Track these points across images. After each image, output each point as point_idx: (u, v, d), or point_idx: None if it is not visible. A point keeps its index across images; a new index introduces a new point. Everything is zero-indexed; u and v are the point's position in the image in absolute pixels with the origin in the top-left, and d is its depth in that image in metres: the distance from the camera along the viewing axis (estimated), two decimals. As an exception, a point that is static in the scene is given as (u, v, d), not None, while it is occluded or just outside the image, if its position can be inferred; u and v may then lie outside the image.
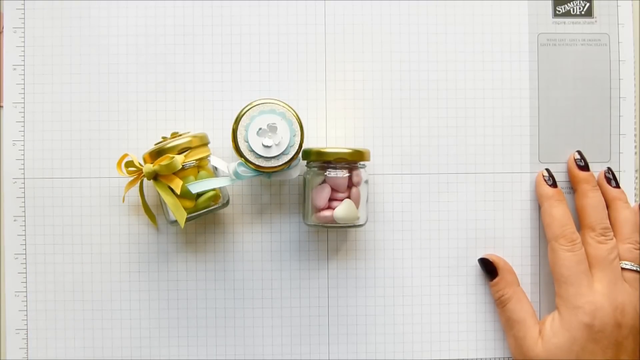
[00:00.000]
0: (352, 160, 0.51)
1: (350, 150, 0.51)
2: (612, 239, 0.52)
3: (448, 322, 0.56)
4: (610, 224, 0.53)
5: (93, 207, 0.55)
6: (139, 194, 0.53)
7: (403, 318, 0.56)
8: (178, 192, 0.49)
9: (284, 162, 0.50)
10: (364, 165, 0.52)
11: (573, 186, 0.55)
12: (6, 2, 0.55)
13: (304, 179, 0.53)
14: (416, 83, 0.56)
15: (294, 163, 0.51)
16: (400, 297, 0.56)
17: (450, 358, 0.56)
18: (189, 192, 0.50)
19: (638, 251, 0.52)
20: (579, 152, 0.55)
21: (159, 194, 0.50)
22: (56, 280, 0.55)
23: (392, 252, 0.56)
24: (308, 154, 0.51)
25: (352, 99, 0.56)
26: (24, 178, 0.55)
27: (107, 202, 0.55)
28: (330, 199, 0.51)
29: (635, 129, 0.56)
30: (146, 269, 0.55)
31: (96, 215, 0.55)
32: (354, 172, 0.51)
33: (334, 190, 0.51)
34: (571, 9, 0.56)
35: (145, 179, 0.51)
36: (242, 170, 0.50)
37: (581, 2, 0.56)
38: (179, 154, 0.50)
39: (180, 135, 0.52)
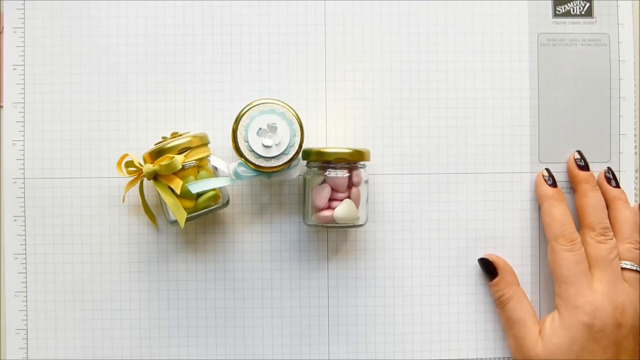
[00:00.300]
0: (352, 160, 0.51)
1: (350, 150, 0.51)
2: (612, 239, 0.52)
3: (448, 322, 0.56)
4: (610, 223, 0.53)
5: (93, 207, 0.55)
6: (139, 194, 0.53)
7: (403, 318, 0.56)
8: (178, 192, 0.49)
9: (284, 162, 0.50)
10: (364, 165, 0.52)
11: (573, 186, 0.55)
12: (6, 2, 0.55)
13: (304, 179, 0.53)
14: (416, 83, 0.56)
15: (294, 163, 0.51)
16: (400, 297, 0.56)
17: (450, 358, 0.56)
18: (189, 192, 0.50)
19: (638, 251, 0.52)
20: (579, 152, 0.55)
21: (159, 194, 0.50)
22: (56, 280, 0.55)
23: (392, 252, 0.56)
24: (308, 154, 0.51)
25: (352, 99, 0.56)
26: (24, 178, 0.55)
27: (107, 202, 0.55)
28: (330, 199, 0.51)
29: (635, 129, 0.56)
30: (146, 269, 0.55)
31: (96, 215, 0.55)
32: (354, 172, 0.51)
33: (334, 190, 0.51)
34: (571, 9, 0.56)
35: (145, 179, 0.51)
36: (242, 170, 0.50)
37: (581, 2, 0.56)
38: (179, 154, 0.50)
39: (180, 135, 0.52)
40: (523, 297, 0.54)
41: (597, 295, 0.50)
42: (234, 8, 0.55)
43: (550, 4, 0.56)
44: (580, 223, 0.53)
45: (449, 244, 0.56)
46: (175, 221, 0.51)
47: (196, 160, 0.50)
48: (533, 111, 0.56)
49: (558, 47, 0.56)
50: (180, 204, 0.50)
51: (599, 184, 0.54)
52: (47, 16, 0.55)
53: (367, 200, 0.53)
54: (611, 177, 0.54)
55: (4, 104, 0.55)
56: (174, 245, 0.55)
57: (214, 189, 0.51)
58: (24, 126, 0.55)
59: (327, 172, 0.51)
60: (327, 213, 0.51)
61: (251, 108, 0.50)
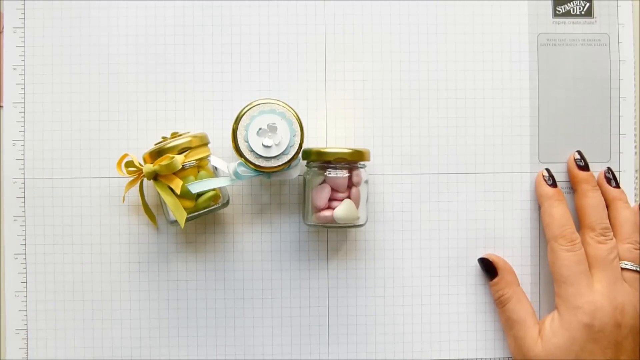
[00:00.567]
0: (352, 160, 0.51)
1: (350, 150, 0.51)
2: (611, 239, 0.52)
3: (448, 322, 0.56)
4: (610, 224, 0.53)
5: (93, 207, 0.55)
6: (139, 194, 0.53)
7: (403, 318, 0.56)
8: (178, 192, 0.49)
9: (284, 162, 0.50)
10: (364, 165, 0.52)
11: (573, 186, 0.55)
12: (6, 2, 0.55)
13: (304, 179, 0.53)
14: (416, 83, 0.56)
15: (294, 163, 0.51)
16: (400, 297, 0.56)
17: (450, 358, 0.56)
18: (189, 192, 0.50)
19: (638, 251, 0.52)
20: (579, 152, 0.55)
21: (159, 194, 0.50)
22: (56, 280, 0.55)
23: (392, 252, 0.56)
24: (308, 154, 0.51)
25: (352, 99, 0.56)
26: (24, 178, 0.55)
27: (107, 202, 0.55)
28: (330, 199, 0.51)
29: (635, 129, 0.56)
30: (146, 269, 0.55)
31: (96, 215, 0.55)
32: (354, 172, 0.51)
33: (334, 190, 0.51)
34: (571, 9, 0.56)
35: (145, 179, 0.51)
36: (242, 170, 0.50)
37: (581, 2, 0.56)
38: (179, 154, 0.50)
39: (180, 135, 0.52)
40: (523, 297, 0.54)
41: (596, 296, 0.50)
42: (234, 8, 0.55)
43: (550, 4, 0.56)
44: (580, 223, 0.53)
45: (449, 244, 0.56)
46: (175, 221, 0.51)
47: (196, 160, 0.50)
48: (533, 111, 0.56)
49: (558, 47, 0.56)
50: (180, 204, 0.50)
51: (599, 184, 0.54)
52: (47, 16, 0.55)
53: (367, 200, 0.53)
54: (611, 177, 0.54)
55: (4, 104, 0.55)
56: (174, 245, 0.55)
57: (214, 189, 0.51)
58: (24, 126, 0.55)
59: (327, 172, 0.51)
60: (327, 213, 0.51)
61: (251, 108, 0.50)
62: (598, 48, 0.56)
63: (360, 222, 0.52)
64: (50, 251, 0.55)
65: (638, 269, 0.51)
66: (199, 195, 0.51)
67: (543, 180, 0.54)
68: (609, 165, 0.56)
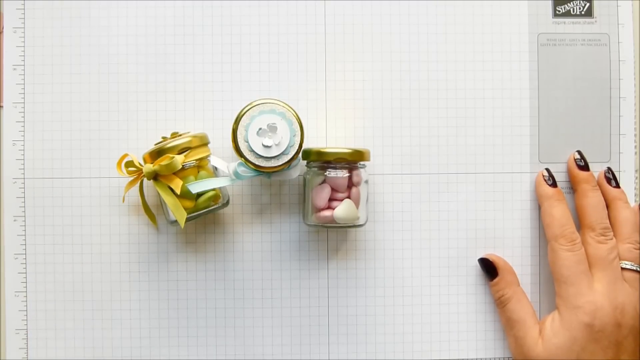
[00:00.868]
0: (352, 160, 0.51)
1: (350, 150, 0.51)
2: (612, 239, 0.52)
3: (448, 322, 0.56)
4: (610, 223, 0.53)
5: (93, 207, 0.55)
6: (139, 194, 0.53)
7: (403, 318, 0.56)
8: (178, 192, 0.49)
9: (284, 162, 0.50)
10: (364, 165, 0.52)
11: (573, 186, 0.55)
12: (6, 2, 0.55)
13: (304, 179, 0.53)
14: (416, 83, 0.56)
15: (294, 163, 0.51)
16: (400, 297, 0.56)
17: (450, 358, 0.56)
18: (189, 192, 0.50)
19: (638, 251, 0.52)
20: (579, 152, 0.55)
21: (159, 194, 0.50)
22: (56, 280, 0.55)
23: (392, 252, 0.56)
24: (308, 154, 0.51)
25: (352, 99, 0.56)
26: (24, 178, 0.55)
27: (107, 202, 0.55)
28: (330, 199, 0.51)
29: (635, 129, 0.56)
30: (146, 269, 0.55)
31: (96, 215, 0.55)
32: (354, 172, 0.51)
33: (334, 190, 0.51)
34: (571, 9, 0.56)
35: (145, 179, 0.51)
36: (242, 170, 0.50)
37: (581, 2, 0.56)
38: (179, 154, 0.50)
39: (180, 135, 0.52)
40: (523, 297, 0.54)
41: (597, 295, 0.50)
42: (234, 8, 0.55)
43: (550, 4, 0.56)
44: (580, 223, 0.53)
45: (449, 244, 0.56)
46: (175, 221, 0.51)
47: (196, 160, 0.50)
48: (533, 111, 0.56)
49: (558, 47, 0.56)
50: (180, 204, 0.50)
51: (599, 184, 0.54)
52: (47, 16, 0.55)
53: (367, 200, 0.53)
54: (611, 177, 0.54)
55: (4, 104, 0.55)
56: (174, 245, 0.55)
57: (214, 189, 0.51)
58: (24, 126, 0.55)
59: (327, 172, 0.51)
60: (327, 213, 0.51)
61: (251, 108, 0.50)
62: (598, 48, 0.56)
63: (360, 222, 0.52)
64: (50, 251, 0.55)
65: (638, 269, 0.51)
66: (199, 195, 0.51)
67: (543, 180, 0.54)
68: (609, 165, 0.56)
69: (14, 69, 0.55)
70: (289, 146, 0.50)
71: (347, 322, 0.55)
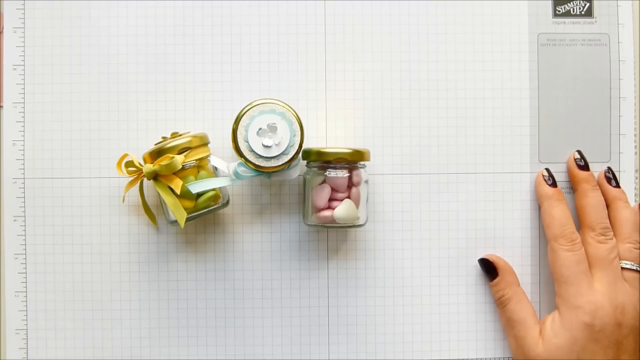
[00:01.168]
0: (352, 160, 0.51)
1: (350, 150, 0.51)
2: (612, 239, 0.52)
3: (448, 322, 0.56)
4: (610, 223, 0.53)
5: (93, 207, 0.55)
6: (139, 194, 0.53)
7: (403, 318, 0.56)
8: (178, 192, 0.49)
9: (284, 162, 0.50)
10: (364, 165, 0.52)
11: (573, 186, 0.55)
12: (6, 2, 0.55)
13: (304, 179, 0.53)
14: (416, 83, 0.56)
15: (294, 163, 0.51)
16: (400, 297, 0.56)
17: (450, 358, 0.56)
18: (189, 192, 0.50)
19: (638, 251, 0.52)
20: (579, 152, 0.55)
21: (159, 194, 0.50)
22: (56, 280, 0.55)
23: (392, 252, 0.56)
24: (308, 154, 0.51)
25: (352, 99, 0.56)
26: (24, 178, 0.55)
27: (107, 202, 0.55)
28: (330, 199, 0.51)
29: (635, 129, 0.56)
30: (146, 269, 0.55)
31: (96, 215, 0.55)
32: (354, 172, 0.51)
33: (334, 190, 0.51)
34: (571, 9, 0.56)
35: (145, 179, 0.51)
36: (242, 170, 0.50)
37: (581, 2, 0.56)
38: (179, 154, 0.50)
39: (180, 135, 0.52)
40: (523, 298, 0.54)
41: (597, 295, 0.50)
42: (234, 8, 0.55)
43: (550, 4, 0.56)
44: (580, 223, 0.53)
45: (449, 244, 0.56)
46: (175, 221, 0.51)
47: (196, 160, 0.50)
48: (533, 111, 0.56)
49: (558, 47, 0.56)
50: (180, 204, 0.50)
51: (599, 184, 0.54)
52: (47, 16, 0.55)
53: (367, 200, 0.53)
54: (611, 177, 0.54)
55: (4, 104, 0.55)
56: (174, 245, 0.55)
57: (214, 189, 0.51)
58: (24, 126, 0.55)
59: (327, 172, 0.51)
60: (327, 213, 0.51)
61: (251, 108, 0.50)
62: (598, 48, 0.56)
63: (360, 222, 0.52)
64: (50, 251, 0.55)
65: (638, 269, 0.51)
66: (199, 195, 0.51)
67: (543, 180, 0.54)
68: (609, 165, 0.56)
69: (14, 69, 0.55)
70: (289, 146, 0.50)
71: (347, 322, 0.55)
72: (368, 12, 0.56)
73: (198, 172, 0.51)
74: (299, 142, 0.50)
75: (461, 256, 0.56)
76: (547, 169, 0.55)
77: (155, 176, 0.50)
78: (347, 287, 0.55)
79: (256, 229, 0.55)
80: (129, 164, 0.51)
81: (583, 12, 0.56)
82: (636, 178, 0.56)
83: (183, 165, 0.49)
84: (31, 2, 0.55)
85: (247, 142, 0.49)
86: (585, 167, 0.54)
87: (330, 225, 0.52)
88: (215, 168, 0.52)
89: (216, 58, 0.55)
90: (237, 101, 0.55)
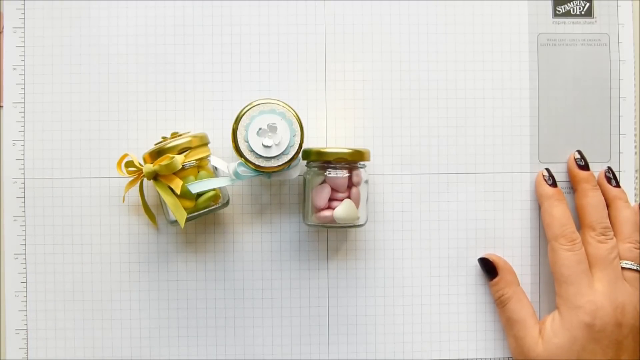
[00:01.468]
0: (352, 160, 0.51)
1: (350, 150, 0.51)
2: (612, 239, 0.52)
3: (448, 322, 0.56)
4: (610, 223, 0.53)
5: (93, 207, 0.55)
6: (139, 194, 0.53)
7: (403, 318, 0.56)
8: (178, 192, 0.49)
9: (284, 162, 0.50)
10: (364, 165, 0.52)
11: (573, 186, 0.55)
12: (6, 2, 0.55)
13: (304, 179, 0.53)
14: (416, 83, 0.56)
15: (294, 163, 0.51)
16: (400, 297, 0.56)
17: (450, 358, 0.56)
18: (189, 192, 0.50)
19: (638, 250, 0.52)
20: (579, 152, 0.55)
21: (159, 194, 0.50)
22: (56, 280, 0.55)
23: (392, 252, 0.56)
24: (308, 154, 0.51)
25: (352, 99, 0.56)
26: (24, 178, 0.55)
27: (107, 202, 0.55)
28: (330, 199, 0.51)
29: (635, 129, 0.56)
30: (146, 269, 0.55)
31: (96, 215, 0.55)
32: (354, 172, 0.51)
33: (334, 190, 0.51)
34: (571, 9, 0.56)
35: (145, 179, 0.51)
36: (242, 170, 0.50)
37: (581, 2, 0.56)
38: (179, 154, 0.50)
39: (180, 135, 0.52)
40: (523, 297, 0.54)
41: (597, 295, 0.50)
42: (234, 8, 0.55)
43: (550, 4, 0.56)
44: (580, 223, 0.53)
45: (449, 244, 0.56)
46: (175, 221, 0.51)
47: (196, 160, 0.50)
48: (533, 111, 0.56)
49: (558, 47, 0.56)
50: (180, 204, 0.50)
51: (599, 184, 0.54)
52: (47, 16, 0.55)
53: (367, 200, 0.53)
54: (611, 177, 0.54)
55: (4, 104, 0.55)
56: (174, 245, 0.55)
57: (214, 189, 0.51)
58: (24, 126, 0.55)
59: (327, 172, 0.51)
60: (327, 213, 0.51)
61: (251, 108, 0.50)
62: (598, 48, 0.56)
63: (360, 222, 0.52)
64: (50, 251, 0.55)
65: (638, 268, 0.51)
66: (199, 195, 0.51)
67: (543, 180, 0.54)
68: (609, 165, 0.56)
69: (14, 69, 0.55)
70: (289, 146, 0.50)
71: (347, 322, 0.55)
72: (368, 12, 0.56)
73: (198, 172, 0.51)
74: (299, 142, 0.50)
75: (461, 256, 0.56)
76: (547, 169, 0.55)
77: (155, 176, 0.50)
78: (347, 287, 0.55)
79: (256, 229, 0.55)
80: (129, 164, 0.51)
81: (583, 12, 0.56)
82: (636, 178, 0.56)
83: (183, 165, 0.49)
84: (31, 2, 0.55)
85: (247, 142, 0.49)
86: (585, 167, 0.54)
87: (330, 225, 0.52)
88: (215, 168, 0.52)
89: (216, 58, 0.55)
90: (237, 101, 0.55)
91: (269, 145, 0.49)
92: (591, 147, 0.56)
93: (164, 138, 0.52)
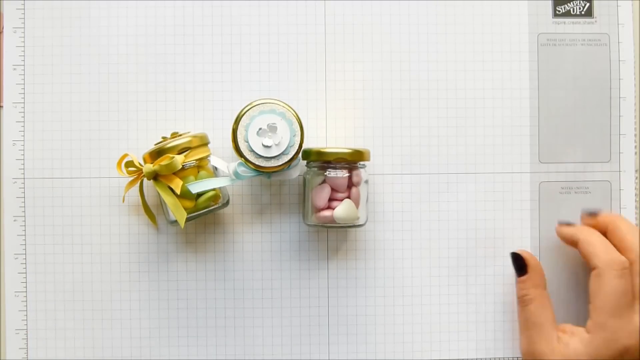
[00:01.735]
0: (352, 160, 0.51)
1: (350, 150, 0.51)
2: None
3: (448, 322, 0.56)
4: (617, 244, 0.51)
5: (93, 207, 0.55)
6: (139, 194, 0.53)
7: (403, 318, 0.56)
8: (178, 192, 0.49)
9: (284, 162, 0.50)
10: (364, 165, 0.52)
11: (573, 245, 0.53)
12: (6, 2, 0.55)
13: (304, 179, 0.53)
14: (416, 83, 0.56)
15: (294, 163, 0.51)
16: (400, 297, 0.56)
17: (450, 358, 0.56)
18: (189, 192, 0.50)
19: None
20: (560, 222, 0.54)
21: (159, 194, 0.50)
22: (56, 280, 0.55)
23: (392, 252, 0.56)
24: (308, 154, 0.51)
25: (352, 99, 0.56)
26: (24, 178, 0.55)
27: (107, 202, 0.55)
28: (330, 199, 0.51)
29: (635, 129, 0.56)
30: (146, 269, 0.55)
31: (96, 215, 0.55)
32: (354, 172, 0.51)
33: (334, 190, 0.51)
34: (571, 9, 0.56)
35: (145, 179, 0.51)
36: (242, 170, 0.50)
37: (581, 2, 0.56)
38: (179, 154, 0.50)
39: (180, 135, 0.52)
40: (546, 302, 0.52)
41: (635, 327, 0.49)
42: (234, 8, 0.55)
43: (550, 4, 0.56)
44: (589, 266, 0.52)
45: (449, 244, 0.56)
46: (175, 221, 0.51)
47: (196, 160, 0.50)
48: (533, 111, 0.56)
49: (558, 47, 0.56)
50: (180, 204, 0.50)
51: (586, 226, 0.53)
52: (47, 16, 0.55)
53: (367, 200, 0.53)
54: (592, 213, 0.53)
55: (4, 104, 0.55)
56: (174, 245, 0.55)
57: (214, 189, 0.51)
58: (24, 126, 0.55)
59: (327, 172, 0.51)
60: (327, 213, 0.51)
61: (251, 108, 0.50)
62: (598, 48, 0.56)
63: (360, 222, 0.52)
64: (50, 251, 0.55)
65: None
66: (199, 195, 0.51)
67: (564, 226, 0.53)
68: (608, 165, 0.56)
69: (14, 69, 0.55)
70: (289, 146, 0.50)
71: (347, 322, 0.55)
72: (368, 12, 0.56)
73: (198, 172, 0.51)
74: (299, 142, 0.50)
75: (461, 256, 0.56)
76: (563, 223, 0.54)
77: (155, 176, 0.50)
78: (347, 287, 0.55)
79: (256, 229, 0.55)
80: (129, 164, 0.51)
81: (583, 12, 0.56)
82: (636, 178, 0.56)
83: (183, 165, 0.49)
84: (31, 2, 0.55)
85: (247, 142, 0.49)
86: (569, 223, 0.53)
87: (330, 225, 0.52)
88: (215, 168, 0.52)
89: (216, 58, 0.55)
90: (237, 101, 0.55)
91: (269, 145, 0.49)
92: (591, 147, 0.56)
93: (164, 138, 0.52)
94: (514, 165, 0.56)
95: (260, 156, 0.49)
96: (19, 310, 0.55)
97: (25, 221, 0.55)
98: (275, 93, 0.55)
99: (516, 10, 0.56)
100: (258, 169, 0.50)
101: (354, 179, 0.51)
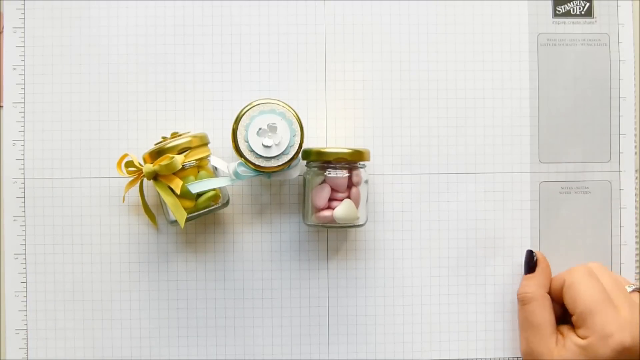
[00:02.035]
0: (352, 160, 0.51)
1: (350, 150, 0.51)
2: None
3: (448, 322, 0.56)
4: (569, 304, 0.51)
5: (93, 207, 0.55)
6: (139, 194, 0.53)
7: (403, 318, 0.56)
8: (178, 192, 0.49)
9: (284, 162, 0.50)
10: (364, 165, 0.52)
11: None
12: (6, 2, 0.55)
13: (304, 179, 0.53)
14: (416, 83, 0.56)
15: (294, 163, 0.51)
16: (400, 297, 0.56)
17: (450, 358, 0.56)
18: (189, 192, 0.50)
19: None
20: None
21: (159, 194, 0.50)
22: (56, 280, 0.55)
23: (392, 252, 0.56)
24: (308, 154, 0.51)
25: (352, 99, 0.56)
26: (24, 178, 0.55)
27: (107, 202, 0.55)
28: (330, 199, 0.51)
29: (635, 129, 0.56)
30: (146, 269, 0.55)
31: (96, 215, 0.55)
32: (354, 172, 0.51)
33: (333, 190, 0.51)
34: (571, 9, 0.56)
35: (145, 179, 0.51)
36: (242, 170, 0.50)
37: (581, 2, 0.56)
38: (179, 154, 0.50)
39: (180, 135, 0.52)
40: (547, 304, 0.52)
41: (624, 320, 0.49)
42: (234, 8, 0.55)
43: (550, 4, 0.56)
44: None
45: (448, 244, 0.56)
46: (175, 221, 0.51)
47: (196, 160, 0.50)
48: (533, 111, 0.56)
49: (558, 47, 0.56)
50: (180, 204, 0.50)
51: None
52: (47, 16, 0.55)
53: (367, 200, 0.53)
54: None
55: (4, 104, 0.55)
56: (174, 245, 0.55)
57: (214, 189, 0.51)
58: (24, 126, 0.55)
59: (327, 172, 0.51)
60: (327, 213, 0.51)
61: (251, 108, 0.50)
62: (598, 48, 0.56)
63: (360, 222, 0.52)
64: (50, 251, 0.55)
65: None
66: (199, 195, 0.51)
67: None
68: (608, 165, 0.56)
69: (14, 69, 0.55)
70: (289, 146, 0.50)
71: (347, 322, 0.55)
72: (368, 12, 0.56)
73: (198, 172, 0.51)
74: (298, 142, 0.50)
75: (461, 256, 0.56)
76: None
77: (155, 176, 0.50)
78: (347, 287, 0.55)
79: (256, 229, 0.55)
80: (129, 164, 0.51)
81: (583, 12, 0.56)
82: (636, 178, 0.56)
83: (183, 165, 0.49)
84: (31, 2, 0.55)
85: (247, 142, 0.49)
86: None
87: (330, 225, 0.52)
88: (215, 168, 0.52)
89: (216, 58, 0.55)
90: (237, 101, 0.55)
91: (269, 145, 0.49)
92: (591, 147, 0.56)
93: (164, 138, 0.52)
94: (514, 165, 0.56)
95: (260, 156, 0.49)
96: (19, 310, 0.55)
97: (25, 221, 0.55)
98: (275, 93, 0.55)
99: (516, 10, 0.56)
100: (258, 169, 0.50)
101: (354, 179, 0.51)
